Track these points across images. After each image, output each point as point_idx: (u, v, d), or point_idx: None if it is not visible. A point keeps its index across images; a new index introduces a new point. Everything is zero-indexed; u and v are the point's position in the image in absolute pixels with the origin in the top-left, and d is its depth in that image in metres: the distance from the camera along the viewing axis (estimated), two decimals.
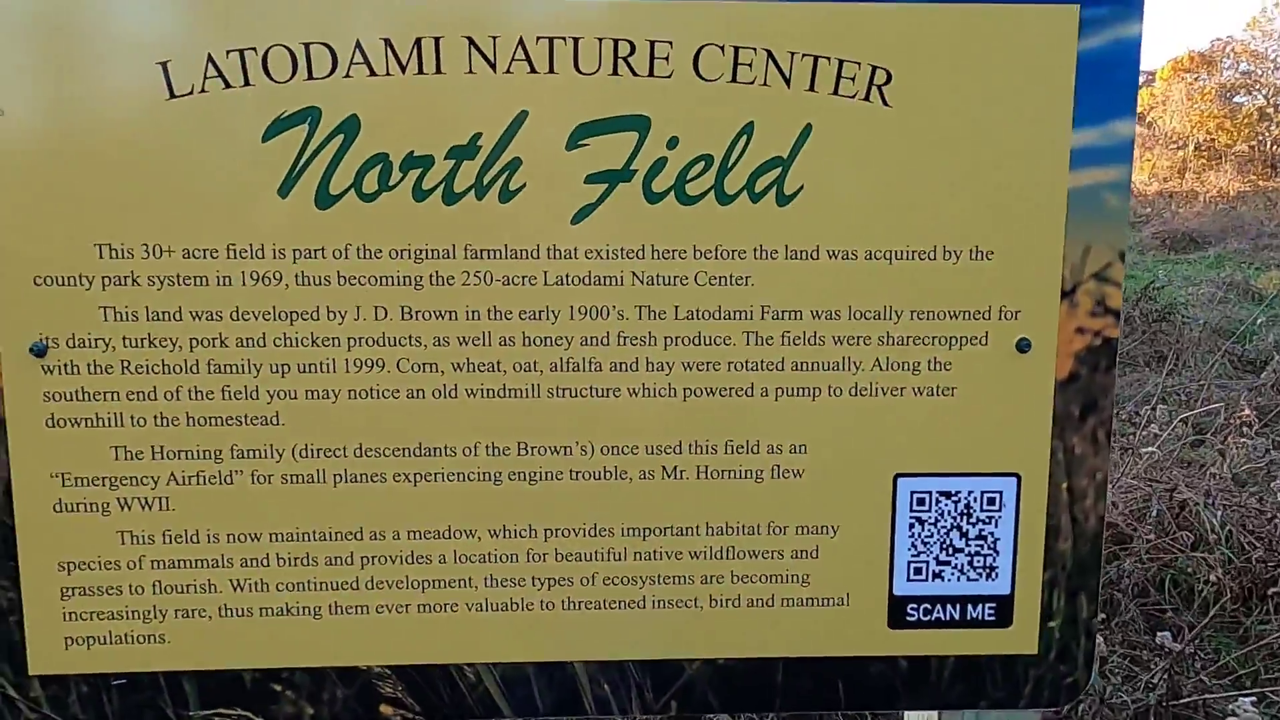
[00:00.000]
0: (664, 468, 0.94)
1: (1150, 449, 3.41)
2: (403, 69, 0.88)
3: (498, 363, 0.91)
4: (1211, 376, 6.08)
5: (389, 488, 0.93)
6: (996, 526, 0.96)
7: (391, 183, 0.89)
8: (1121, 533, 3.11)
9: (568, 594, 0.95)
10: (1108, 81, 0.90)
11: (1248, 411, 3.48)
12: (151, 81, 0.86)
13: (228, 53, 0.87)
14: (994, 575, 0.96)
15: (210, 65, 0.87)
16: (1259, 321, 7.60)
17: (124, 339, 0.89)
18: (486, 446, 0.93)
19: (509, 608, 0.95)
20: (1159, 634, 2.32)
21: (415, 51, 0.88)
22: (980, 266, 0.92)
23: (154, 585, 0.93)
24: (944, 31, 0.89)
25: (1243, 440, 3.41)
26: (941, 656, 0.98)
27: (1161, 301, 7.83)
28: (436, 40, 0.87)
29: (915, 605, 0.97)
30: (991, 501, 0.95)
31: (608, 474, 0.93)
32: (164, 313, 0.89)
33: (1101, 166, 0.91)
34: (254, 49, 0.87)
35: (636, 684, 0.97)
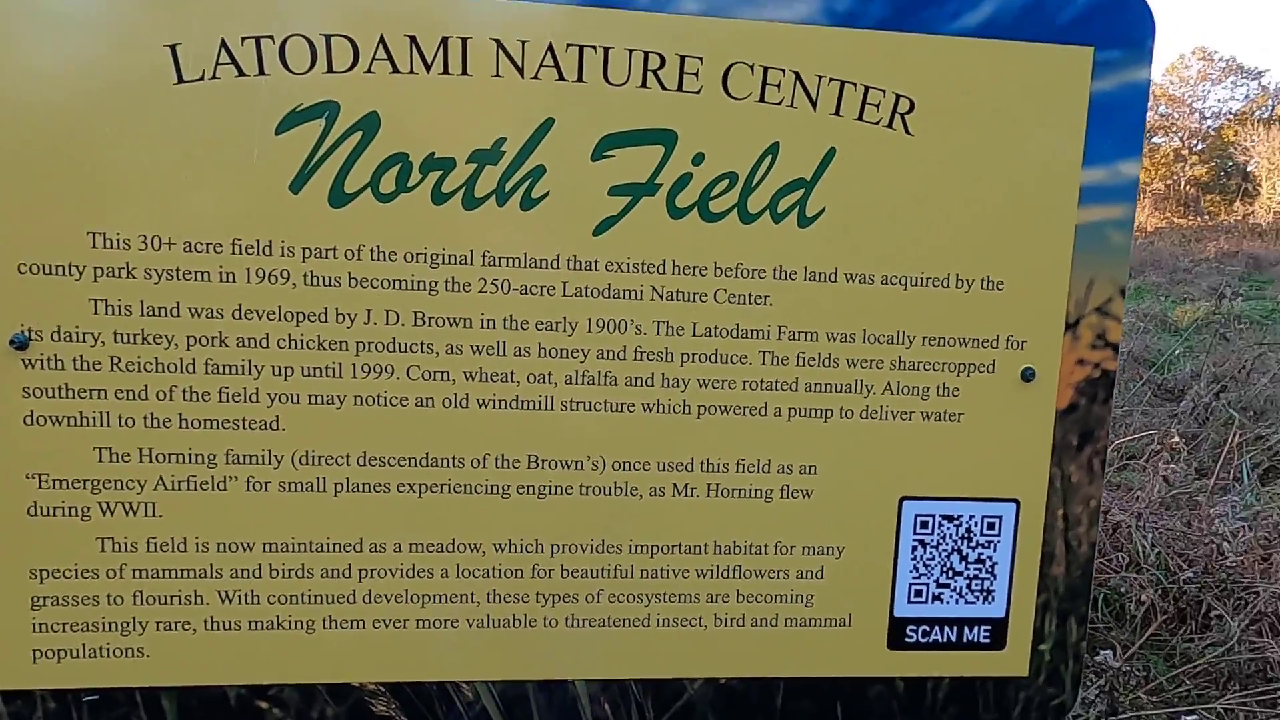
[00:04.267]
0: (675, 485, 0.93)
1: None
2: (427, 68, 0.85)
3: (511, 373, 0.89)
4: (1136, 403, 6.38)
5: (392, 498, 0.90)
6: (995, 550, 0.98)
7: (410, 184, 0.86)
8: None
9: (572, 611, 0.94)
10: (1117, 123, 0.93)
11: (1176, 439, 3.65)
12: (158, 64, 0.82)
13: (243, 39, 0.83)
14: (991, 599, 0.98)
15: (223, 51, 0.83)
16: (1177, 353, 8.03)
17: (115, 334, 0.84)
18: (496, 459, 0.90)
19: (511, 624, 0.93)
20: (1101, 652, 2.40)
21: (441, 51, 0.85)
22: (991, 296, 0.94)
23: (135, 595, 0.88)
24: (966, 65, 0.91)
25: (1171, 466, 3.57)
26: (938, 678, 0.99)
27: None
28: (464, 41, 0.85)
29: (915, 627, 0.98)
30: (991, 526, 0.97)
31: (619, 490, 0.92)
32: (160, 308, 0.85)
33: (1108, 204, 0.94)
34: (271, 37, 0.83)
35: (638, 703, 0.96)
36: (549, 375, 0.90)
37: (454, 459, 0.90)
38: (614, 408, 0.91)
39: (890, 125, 0.91)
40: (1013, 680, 1.00)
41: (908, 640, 0.98)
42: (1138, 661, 2.98)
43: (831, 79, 0.90)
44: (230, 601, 0.89)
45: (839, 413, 0.94)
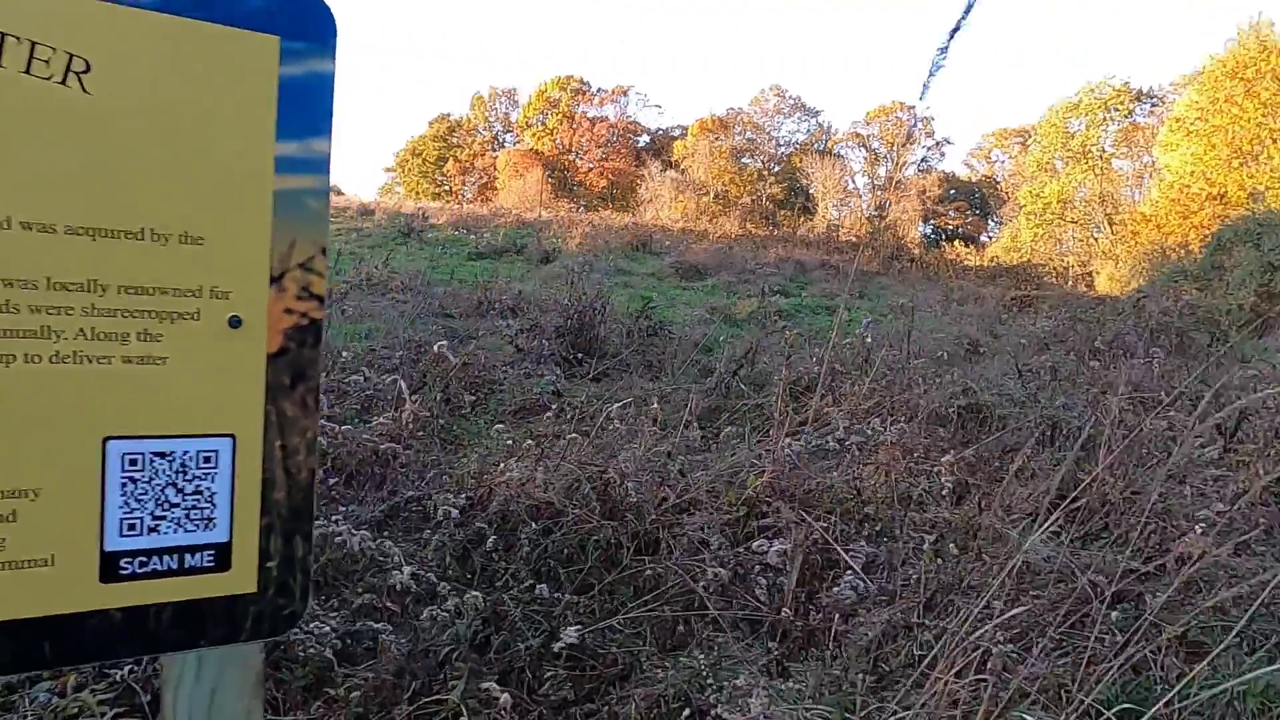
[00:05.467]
0: None
1: (597, 439, 4.03)
2: None
3: None
4: (683, 380, 7.38)
5: None
6: (213, 482, 1.08)
7: None
8: (555, 509, 3.63)
9: None
10: (307, 105, 1.08)
11: (655, 406, 4.31)
12: None
13: None
14: (212, 525, 1.08)
15: None
16: (722, 339, 9.47)
17: None
18: None
19: None
20: (538, 586, 2.76)
21: None
22: (191, 250, 1.04)
23: None
24: (148, 36, 0.99)
25: (652, 429, 4.21)
26: (161, 604, 1.07)
27: (655, 319, 9.34)
28: None
29: (130, 559, 1.04)
30: (208, 460, 1.07)
31: None
32: None
33: (303, 175, 1.09)
34: None
35: None
36: None
37: None
38: None
39: (65, 83, 0.96)
40: (242, 597, 1.11)
41: (123, 572, 1.04)
42: (619, 594, 3.44)
43: None
44: None
45: (23, 358, 0.96)
